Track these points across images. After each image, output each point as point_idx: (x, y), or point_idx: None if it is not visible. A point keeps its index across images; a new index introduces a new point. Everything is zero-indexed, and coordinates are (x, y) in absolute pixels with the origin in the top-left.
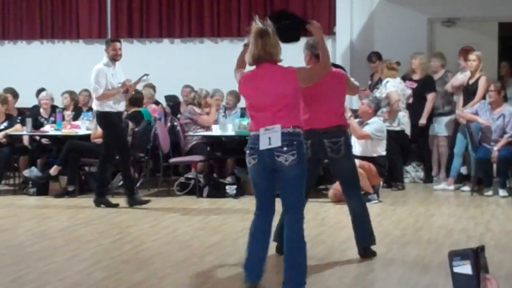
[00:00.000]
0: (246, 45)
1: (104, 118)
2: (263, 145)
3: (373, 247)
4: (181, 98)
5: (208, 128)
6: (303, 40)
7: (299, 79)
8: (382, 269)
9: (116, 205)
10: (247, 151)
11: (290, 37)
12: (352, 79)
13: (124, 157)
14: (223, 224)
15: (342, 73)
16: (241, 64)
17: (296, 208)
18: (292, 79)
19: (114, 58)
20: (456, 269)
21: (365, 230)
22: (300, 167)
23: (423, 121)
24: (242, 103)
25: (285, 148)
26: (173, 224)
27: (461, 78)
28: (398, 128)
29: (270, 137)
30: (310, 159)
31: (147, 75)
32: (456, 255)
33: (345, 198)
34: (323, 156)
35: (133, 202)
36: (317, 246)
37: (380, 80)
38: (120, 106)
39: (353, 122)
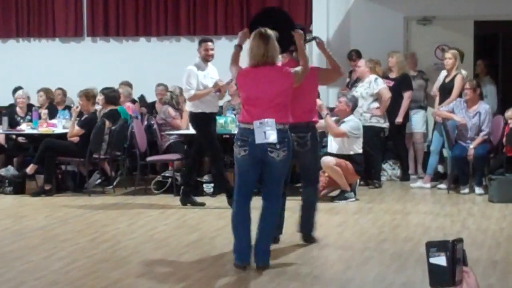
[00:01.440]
0: (238, 46)
1: (197, 119)
2: (259, 139)
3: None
4: (155, 97)
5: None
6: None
7: (295, 80)
8: (359, 267)
9: (202, 204)
10: (237, 143)
11: (284, 46)
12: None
13: (214, 159)
14: (200, 222)
15: (312, 70)
16: (236, 62)
17: (278, 196)
18: (289, 79)
19: (206, 58)
20: (432, 260)
21: (311, 218)
22: (288, 162)
23: (399, 119)
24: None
25: (278, 146)
26: (150, 222)
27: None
28: (385, 125)
29: (265, 132)
30: None
31: None
32: (432, 246)
33: (302, 187)
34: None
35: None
36: (295, 244)
37: (358, 78)
38: (214, 107)
39: (330, 120)
